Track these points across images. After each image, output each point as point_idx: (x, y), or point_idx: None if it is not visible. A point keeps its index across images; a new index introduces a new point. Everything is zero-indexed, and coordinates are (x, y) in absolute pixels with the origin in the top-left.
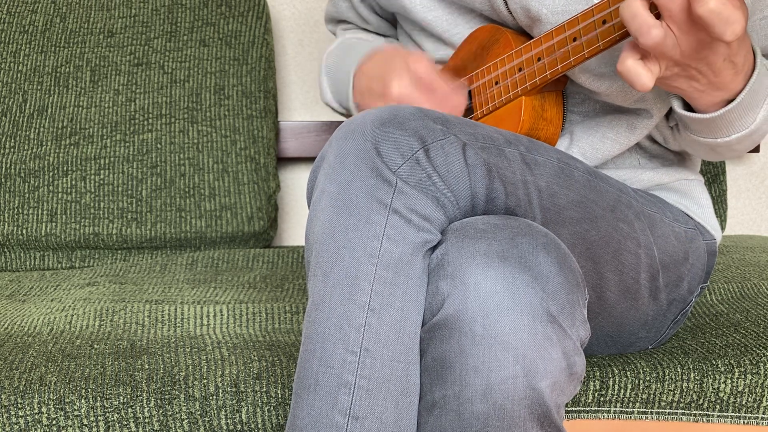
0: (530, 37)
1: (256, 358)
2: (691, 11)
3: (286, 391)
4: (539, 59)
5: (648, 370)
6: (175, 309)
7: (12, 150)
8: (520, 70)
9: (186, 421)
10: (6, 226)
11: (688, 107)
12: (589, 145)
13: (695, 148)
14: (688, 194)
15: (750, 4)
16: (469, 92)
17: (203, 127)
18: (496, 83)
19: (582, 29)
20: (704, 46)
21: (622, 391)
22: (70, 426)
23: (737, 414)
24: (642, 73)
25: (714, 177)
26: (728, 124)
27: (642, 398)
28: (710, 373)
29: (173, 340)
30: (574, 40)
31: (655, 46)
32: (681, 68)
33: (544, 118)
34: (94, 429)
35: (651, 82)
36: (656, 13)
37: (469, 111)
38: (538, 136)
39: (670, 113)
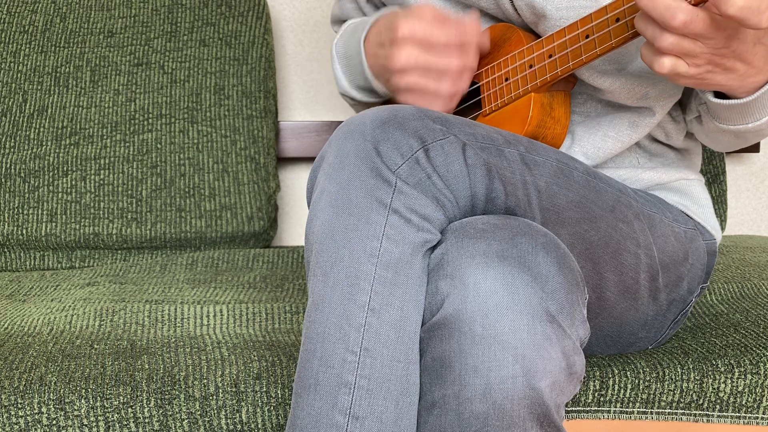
0: (539, 36)
1: (256, 358)
2: (711, 20)
3: (286, 391)
4: (551, 56)
5: (648, 370)
6: (175, 309)
7: (12, 150)
8: (530, 66)
9: (186, 421)
10: (6, 226)
11: (717, 95)
12: (591, 144)
13: (717, 138)
14: (688, 194)
15: None
16: (479, 88)
17: (203, 127)
18: (506, 79)
19: (595, 26)
20: (733, 39)
21: (622, 391)
22: (70, 426)
23: (737, 414)
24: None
25: (714, 177)
26: (761, 106)
27: (642, 398)
28: (710, 373)
29: (173, 340)
30: (587, 37)
31: (683, 26)
32: (714, 65)
33: (552, 116)
34: (94, 429)
35: (669, 64)
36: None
37: (478, 107)
38: (545, 134)
39: (676, 109)
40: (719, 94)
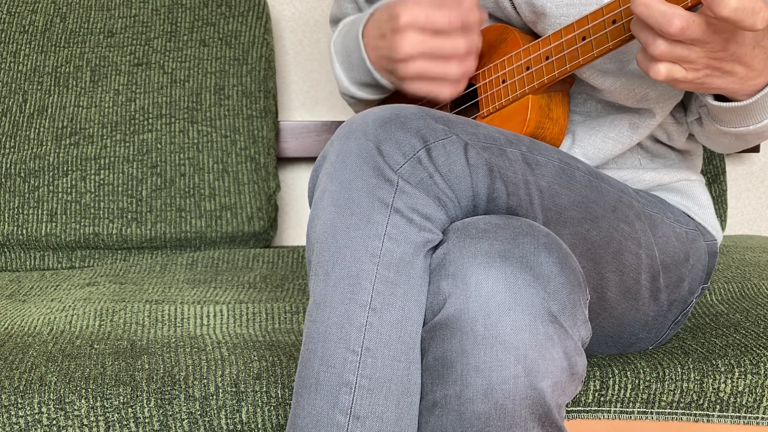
0: (537, 37)
1: (256, 358)
2: (708, 24)
3: (286, 391)
4: (547, 58)
5: (648, 370)
6: (175, 309)
7: (12, 150)
8: (527, 68)
9: (186, 421)
10: (6, 226)
11: (718, 98)
12: (591, 145)
13: (718, 140)
14: (689, 195)
15: None
16: (476, 90)
17: (203, 127)
18: (503, 81)
19: (591, 28)
20: (730, 42)
21: (622, 391)
22: (70, 426)
23: (737, 414)
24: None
25: (714, 177)
26: (762, 109)
27: (642, 398)
28: (710, 373)
29: (173, 340)
30: (583, 39)
31: (680, 32)
32: (713, 69)
33: (550, 117)
34: (94, 429)
35: (664, 70)
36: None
37: (475, 109)
38: (544, 135)
39: (678, 110)
40: (719, 97)
